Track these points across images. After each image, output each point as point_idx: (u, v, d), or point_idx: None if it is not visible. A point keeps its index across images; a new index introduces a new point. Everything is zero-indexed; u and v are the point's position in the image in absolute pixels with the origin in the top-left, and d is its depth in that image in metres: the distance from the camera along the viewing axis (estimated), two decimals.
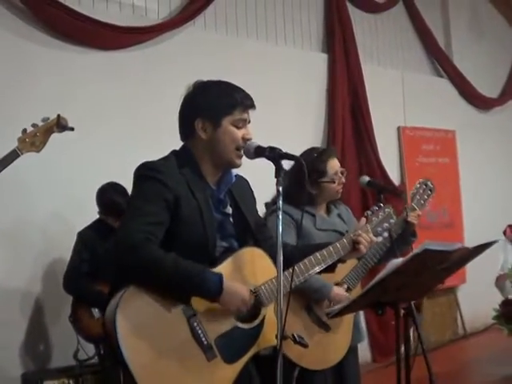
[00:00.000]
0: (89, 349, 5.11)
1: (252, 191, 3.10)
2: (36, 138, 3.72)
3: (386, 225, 3.19)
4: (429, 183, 3.98)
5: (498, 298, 6.88)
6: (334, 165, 3.92)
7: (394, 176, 8.37)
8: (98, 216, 5.14)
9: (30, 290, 5.35)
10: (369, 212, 3.20)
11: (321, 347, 3.61)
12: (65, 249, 5.15)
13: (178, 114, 2.88)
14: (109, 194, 5.02)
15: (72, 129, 3.88)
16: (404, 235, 3.87)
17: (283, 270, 2.59)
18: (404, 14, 9.18)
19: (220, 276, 2.62)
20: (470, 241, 8.29)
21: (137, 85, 5.95)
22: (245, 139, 2.80)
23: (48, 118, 3.78)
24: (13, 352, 5.20)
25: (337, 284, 3.73)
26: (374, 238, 3.09)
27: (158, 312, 2.57)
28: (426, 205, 3.96)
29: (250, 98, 2.85)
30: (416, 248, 2.50)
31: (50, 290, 5.39)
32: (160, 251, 2.58)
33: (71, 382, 4.92)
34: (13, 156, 3.65)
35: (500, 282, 6.75)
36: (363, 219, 3.15)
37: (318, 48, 7.91)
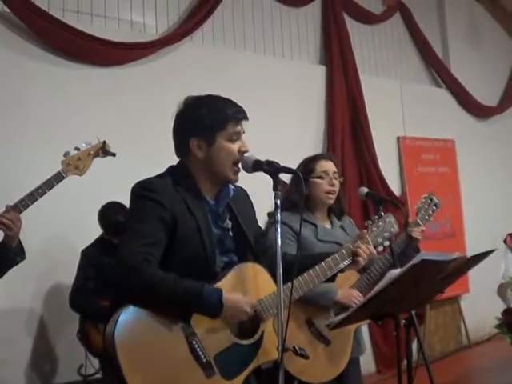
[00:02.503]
0: (96, 364, 5.13)
1: (251, 202, 3.10)
2: (80, 162, 3.72)
3: (386, 234, 3.18)
4: (434, 198, 3.97)
5: (501, 307, 6.86)
6: (324, 164, 3.92)
7: (395, 186, 8.37)
8: (100, 233, 5.18)
9: (34, 309, 5.37)
10: (369, 222, 3.20)
11: (321, 361, 3.61)
12: (67, 267, 5.17)
13: (172, 133, 2.88)
14: (110, 215, 5.06)
15: (114, 154, 3.88)
16: (407, 250, 3.85)
17: (283, 283, 2.60)
18: (401, 24, 9.22)
19: (219, 292, 2.63)
20: (471, 250, 8.26)
21: (135, 101, 5.98)
22: (241, 152, 2.81)
23: (90, 142, 3.78)
24: (18, 369, 5.21)
25: None
26: (374, 250, 3.08)
27: (156, 331, 2.58)
28: (431, 220, 3.95)
29: (241, 110, 2.85)
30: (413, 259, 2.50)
31: (54, 308, 5.41)
32: (159, 271, 2.60)
33: None
34: (58, 178, 3.64)
35: (502, 290, 6.72)
36: (364, 231, 3.14)
37: (315, 60, 7.94)
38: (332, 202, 3.91)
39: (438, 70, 9.56)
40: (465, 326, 8.98)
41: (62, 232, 5.50)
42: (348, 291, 3.73)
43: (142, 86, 6.06)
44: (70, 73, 5.70)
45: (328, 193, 3.88)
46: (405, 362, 3.08)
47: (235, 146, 2.80)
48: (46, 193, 3.58)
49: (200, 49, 6.66)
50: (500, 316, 6.40)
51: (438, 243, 8.32)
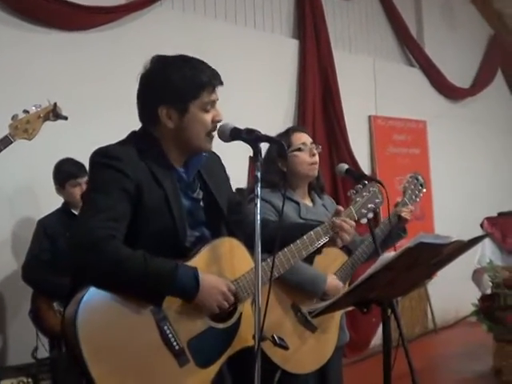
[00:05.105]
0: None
1: (223, 167, 2.85)
2: (28, 126, 3.55)
3: (371, 205, 2.99)
4: (420, 177, 3.78)
5: (468, 292, 6.76)
6: (300, 136, 3.66)
7: (365, 166, 8.18)
8: (61, 204, 4.93)
9: None
10: (352, 191, 2.99)
11: (307, 349, 3.38)
12: (25, 239, 4.90)
13: (136, 97, 2.60)
14: (66, 166, 4.85)
15: (66, 118, 3.73)
16: (395, 231, 3.66)
17: (264, 251, 2.36)
18: (376, 0, 8.99)
19: (195, 272, 2.37)
20: (440, 233, 8.16)
21: (102, 67, 5.69)
22: (215, 121, 2.55)
23: (40, 105, 3.59)
24: None
25: None
26: (353, 223, 2.85)
27: (123, 315, 2.31)
28: (417, 200, 3.77)
29: (216, 74, 2.57)
30: (408, 242, 2.27)
31: (10, 283, 5.12)
32: (125, 249, 2.32)
33: (30, 380, 4.65)
34: (5, 143, 3.47)
35: (477, 276, 6.60)
36: (340, 207, 2.93)
37: (288, 33, 7.69)
38: (316, 173, 3.66)
39: (412, 49, 9.42)
40: (431, 311, 8.88)
41: (19, 203, 5.24)
42: (336, 282, 3.47)
43: (109, 52, 5.77)
44: (32, 36, 5.37)
45: (311, 164, 3.61)
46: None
47: (209, 116, 2.54)
48: None
49: (169, 15, 6.36)
50: (476, 302, 6.29)
51: (407, 225, 8.16)
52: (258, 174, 2.39)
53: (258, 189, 2.37)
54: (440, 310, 8.91)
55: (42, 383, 4.66)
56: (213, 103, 2.57)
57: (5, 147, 3.49)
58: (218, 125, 2.57)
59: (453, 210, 9.07)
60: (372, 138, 8.49)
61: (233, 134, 2.49)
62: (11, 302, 5.17)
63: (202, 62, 2.59)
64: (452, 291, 8.43)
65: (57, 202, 4.93)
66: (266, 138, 2.48)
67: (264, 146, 2.53)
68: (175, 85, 2.50)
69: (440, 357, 7.56)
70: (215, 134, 2.57)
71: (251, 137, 2.45)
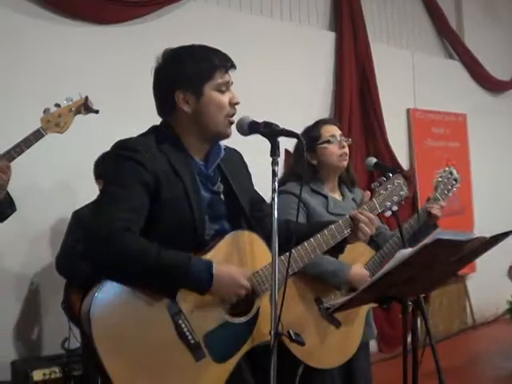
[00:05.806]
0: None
1: (245, 165, 2.83)
2: (60, 119, 3.57)
3: (395, 198, 2.92)
4: (454, 172, 3.70)
5: (508, 288, 6.65)
6: (330, 129, 3.65)
7: (403, 159, 8.10)
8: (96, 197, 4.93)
9: (25, 274, 5.16)
10: (376, 183, 2.93)
11: (330, 345, 3.33)
12: (63, 232, 4.93)
13: (153, 90, 2.61)
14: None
15: (97, 111, 3.74)
16: (425, 228, 3.58)
17: (284, 250, 2.38)
18: None
19: (209, 265, 2.35)
20: (480, 228, 8.06)
21: (135, 60, 5.65)
22: (232, 104, 2.54)
23: (71, 99, 3.62)
24: (4, 338, 5.00)
25: None
26: (370, 215, 2.75)
27: (138, 309, 2.30)
28: (450, 195, 3.69)
29: (228, 58, 2.58)
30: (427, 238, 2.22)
31: (46, 275, 5.18)
32: (140, 241, 2.31)
33: (61, 370, 4.69)
34: (37, 136, 3.49)
35: None
36: (367, 192, 2.88)
37: (325, 26, 7.62)
38: (346, 165, 3.64)
39: (452, 42, 9.25)
40: (470, 306, 8.76)
41: (55, 197, 5.29)
42: (362, 272, 3.43)
43: (143, 46, 5.71)
44: (64, 30, 5.41)
45: (340, 156, 3.59)
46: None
47: (225, 98, 2.54)
48: (24, 151, 3.42)
49: (203, 8, 6.34)
50: (511, 299, 6.19)
51: (446, 220, 8.03)
52: (276, 169, 2.35)
53: (276, 183, 2.34)
54: (479, 306, 8.78)
55: (74, 373, 4.71)
56: (227, 85, 2.57)
57: (36, 141, 3.51)
58: (235, 118, 2.55)
59: (493, 204, 8.90)
60: (410, 131, 8.38)
61: (251, 128, 2.47)
62: (46, 293, 5.24)
63: (213, 48, 2.61)
64: (492, 287, 8.29)
65: (92, 195, 4.93)
66: (285, 132, 2.44)
67: (283, 140, 2.49)
68: (188, 69, 2.51)
69: (478, 353, 7.46)
70: (234, 119, 2.55)
71: (269, 130, 2.43)
